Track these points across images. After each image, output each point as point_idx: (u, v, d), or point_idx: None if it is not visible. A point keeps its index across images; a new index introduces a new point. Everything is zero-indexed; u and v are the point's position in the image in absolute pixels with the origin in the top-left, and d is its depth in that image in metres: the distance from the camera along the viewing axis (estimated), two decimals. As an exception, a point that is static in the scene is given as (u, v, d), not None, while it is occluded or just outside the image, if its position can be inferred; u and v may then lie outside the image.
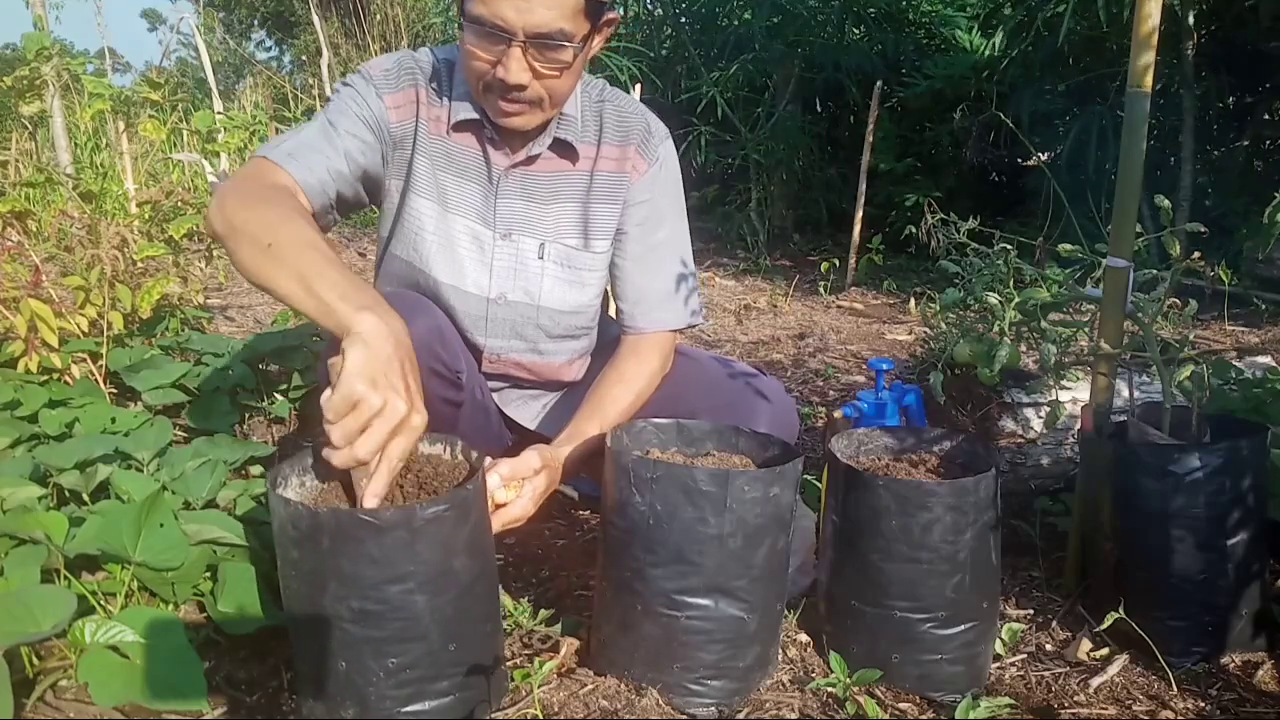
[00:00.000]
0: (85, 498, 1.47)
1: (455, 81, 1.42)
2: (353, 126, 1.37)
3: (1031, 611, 1.48)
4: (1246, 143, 4.37)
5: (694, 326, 1.63)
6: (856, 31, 5.57)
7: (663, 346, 1.52)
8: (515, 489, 1.27)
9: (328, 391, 1.04)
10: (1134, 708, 1.23)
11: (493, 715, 1.17)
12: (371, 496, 1.08)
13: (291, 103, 7.29)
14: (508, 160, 1.44)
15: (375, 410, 1.02)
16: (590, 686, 1.22)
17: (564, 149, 1.45)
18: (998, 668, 1.32)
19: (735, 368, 1.56)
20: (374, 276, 1.62)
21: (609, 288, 1.58)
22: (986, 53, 4.80)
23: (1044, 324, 1.62)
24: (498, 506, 1.26)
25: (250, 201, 1.22)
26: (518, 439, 1.63)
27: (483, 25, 1.24)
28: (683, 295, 1.53)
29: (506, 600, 1.41)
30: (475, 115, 1.40)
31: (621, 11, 6.22)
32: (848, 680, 1.21)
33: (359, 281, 1.13)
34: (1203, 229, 1.38)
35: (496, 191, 1.45)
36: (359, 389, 1.01)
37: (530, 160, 1.44)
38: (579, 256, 1.50)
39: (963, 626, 1.24)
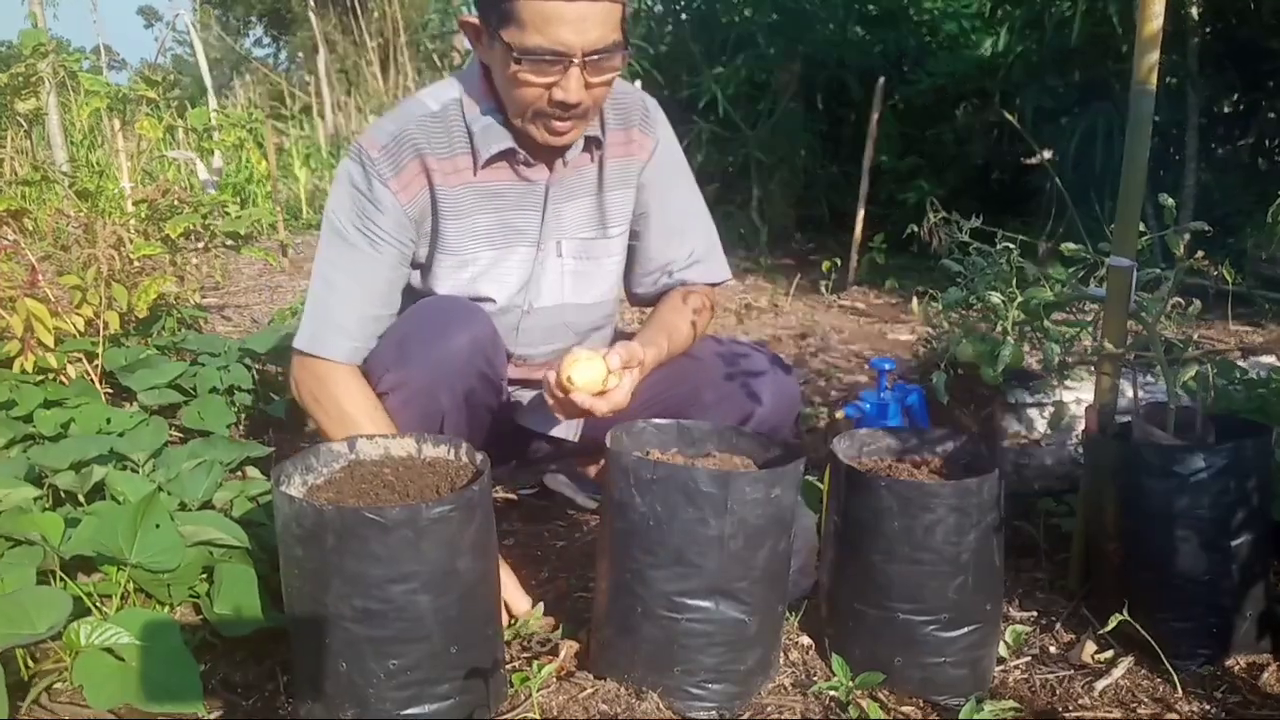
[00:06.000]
0: (81, 498, 1.47)
1: (470, 119, 1.39)
2: (377, 237, 1.38)
3: (1035, 614, 1.47)
4: (1251, 141, 4.35)
5: (726, 281, 1.67)
6: (859, 29, 5.55)
7: (707, 294, 1.58)
8: (618, 377, 1.31)
9: None
10: (1139, 710, 1.22)
11: (491, 719, 1.16)
12: None
13: (288, 100, 7.29)
14: (543, 176, 1.44)
15: None
16: (590, 690, 1.21)
17: (588, 145, 1.46)
18: (1001, 670, 1.31)
19: (726, 342, 1.59)
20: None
21: (639, 266, 1.61)
22: (990, 51, 4.78)
23: (1047, 323, 1.61)
24: (603, 393, 1.30)
25: (317, 405, 1.40)
26: (521, 448, 1.63)
27: (540, 54, 1.24)
28: (713, 251, 1.61)
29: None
30: (506, 145, 1.39)
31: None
32: (850, 683, 1.20)
33: None
34: (1207, 228, 1.36)
35: (545, 208, 1.45)
36: None
37: (564, 168, 1.45)
38: (595, 245, 1.52)
39: (966, 629, 1.23)
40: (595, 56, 1.26)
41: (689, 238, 1.58)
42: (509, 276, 1.47)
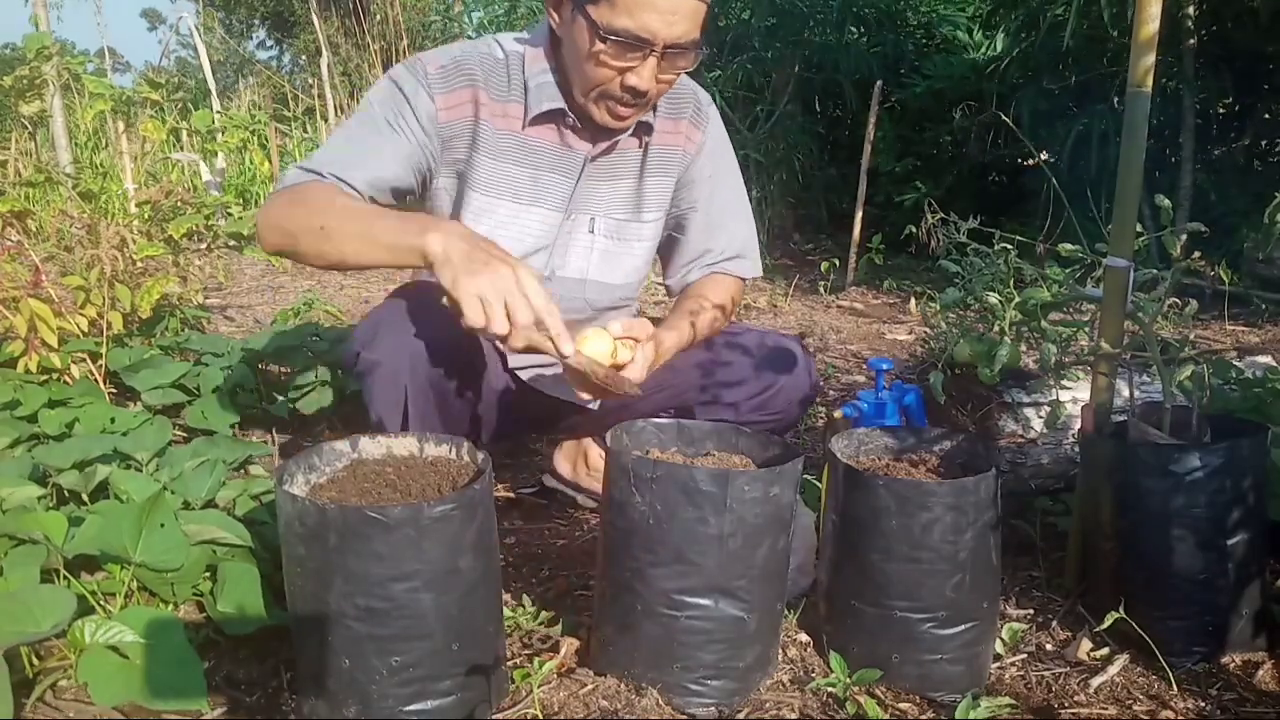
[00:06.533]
0: (84, 498, 1.47)
1: (530, 73, 1.41)
2: (402, 130, 1.37)
3: (1032, 611, 1.48)
4: (1247, 142, 4.36)
5: (756, 278, 1.71)
6: (855, 31, 5.56)
7: (736, 286, 1.60)
8: (631, 349, 1.30)
9: (463, 320, 1.16)
10: (1134, 707, 1.23)
11: (493, 715, 1.17)
12: (566, 343, 1.20)
13: (291, 103, 7.30)
14: (591, 148, 1.45)
15: (495, 291, 1.13)
16: (590, 686, 1.22)
17: (637, 129, 1.47)
18: (998, 667, 1.32)
19: (750, 327, 1.63)
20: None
21: (678, 258, 1.63)
22: (986, 52, 4.80)
23: (1044, 324, 1.62)
24: (619, 366, 1.29)
25: (292, 207, 1.31)
26: (542, 418, 1.66)
27: (625, 36, 1.26)
28: (750, 247, 1.63)
29: (506, 600, 1.41)
30: (558, 105, 1.40)
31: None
32: (848, 680, 1.21)
33: (405, 215, 1.25)
34: (1203, 229, 1.37)
35: (579, 178, 1.46)
36: (471, 291, 1.14)
37: (612, 148, 1.46)
38: (628, 228, 1.53)
39: (963, 626, 1.24)
40: (675, 50, 1.28)
41: (728, 232, 1.60)
42: (526, 236, 1.47)
